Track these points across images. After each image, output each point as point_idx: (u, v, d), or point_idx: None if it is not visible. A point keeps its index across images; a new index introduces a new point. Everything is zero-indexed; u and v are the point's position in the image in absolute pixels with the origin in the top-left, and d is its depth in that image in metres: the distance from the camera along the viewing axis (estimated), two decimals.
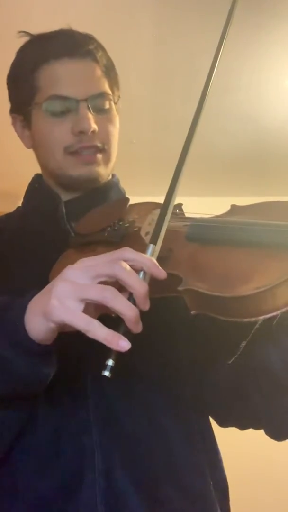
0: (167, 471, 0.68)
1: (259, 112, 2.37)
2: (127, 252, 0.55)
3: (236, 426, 0.77)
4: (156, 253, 0.59)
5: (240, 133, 2.57)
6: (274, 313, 0.52)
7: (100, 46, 0.88)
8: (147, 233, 0.69)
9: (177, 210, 0.76)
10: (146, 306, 0.54)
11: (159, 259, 0.58)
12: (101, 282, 0.54)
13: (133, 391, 0.70)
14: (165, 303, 0.61)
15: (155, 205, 0.76)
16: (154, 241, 0.59)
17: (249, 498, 2.66)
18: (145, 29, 1.83)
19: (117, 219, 0.77)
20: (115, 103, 0.87)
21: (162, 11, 1.74)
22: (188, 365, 0.75)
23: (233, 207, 0.74)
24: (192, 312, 0.56)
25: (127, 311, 0.52)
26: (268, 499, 2.96)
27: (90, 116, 0.80)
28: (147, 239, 0.67)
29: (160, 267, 0.55)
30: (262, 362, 0.64)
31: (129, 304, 0.53)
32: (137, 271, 0.55)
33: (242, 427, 0.77)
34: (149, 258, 0.55)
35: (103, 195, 0.87)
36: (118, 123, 0.88)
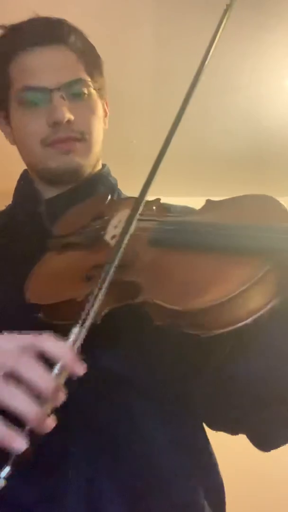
0: (152, 479, 0.65)
1: (259, 112, 2.37)
2: (44, 342, 0.49)
3: (224, 431, 0.72)
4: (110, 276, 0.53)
5: (240, 133, 2.57)
6: (235, 326, 0.49)
7: (73, 30, 0.83)
8: (113, 237, 0.65)
9: (154, 207, 0.72)
10: (54, 403, 0.48)
11: (122, 266, 0.55)
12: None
13: (116, 397, 0.66)
14: None
15: (131, 202, 0.70)
16: (110, 260, 0.53)
17: (247, 499, 2.66)
18: (145, 29, 1.83)
19: (92, 219, 0.73)
20: (97, 89, 0.83)
21: (162, 11, 1.74)
22: (174, 369, 0.69)
23: (208, 202, 0.69)
24: (155, 323, 0.53)
25: (25, 413, 0.45)
26: (267, 501, 2.96)
27: (64, 105, 0.76)
28: (113, 243, 0.63)
29: (79, 363, 0.49)
30: (233, 376, 0.60)
31: (27, 404, 0.46)
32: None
33: (231, 432, 0.72)
34: (68, 351, 0.49)
35: (89, 189, 0.82)
36: (101, 110, 0.84)
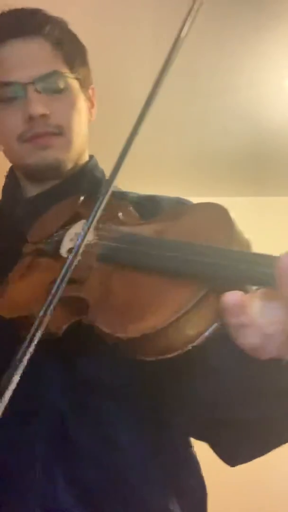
0: (119, 488, 0.62)
1: (259, 112, 2.37)
2: None
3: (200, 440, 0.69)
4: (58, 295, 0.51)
5: (240, 133, 2.57)
6: (173, 354, 0.47)
7: (49, 20, 0.80)
8: (69, 250, 0.62)
9: (120, 214, 0.67)
10: None
11: (76, 281, 0.54)
12: None
13: (88, 405, 0.64)
14: None
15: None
16: (60, 276, 0.51)
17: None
18: (145, 29, 1.83)
19: (61, 225, 0.68)
20: (79, 80, 0.80)
21: (162, 11, 1.74)
22: (148, 377, 0.64)
23: (172, 208, 0.67)
24: (108, 343, 0.51)
25: None
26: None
27: (39, 99, 0.73)
28: (68, 257, 0.59)
29: None
30: (196, 394, 0.59)
31: None
32: None
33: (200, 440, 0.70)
34: None
35: (70, 187, 0.78)
36: (82, 102, 0.81)
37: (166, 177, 3.13)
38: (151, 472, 0.64)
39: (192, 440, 0.74)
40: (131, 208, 0.69)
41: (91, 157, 0.86)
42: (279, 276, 0.39)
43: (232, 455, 0.64)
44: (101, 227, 0.61)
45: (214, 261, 0.48)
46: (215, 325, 0.47)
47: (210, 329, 0.47)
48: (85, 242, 0.54)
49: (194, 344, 0.47)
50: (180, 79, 2.12)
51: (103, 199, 0.55)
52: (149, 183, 3.20)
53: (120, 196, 0.78)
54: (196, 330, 0.47)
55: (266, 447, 0.61)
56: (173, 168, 2.99)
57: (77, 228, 0.65)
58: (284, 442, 0.60)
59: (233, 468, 0.68)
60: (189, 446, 0.72)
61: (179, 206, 0.70)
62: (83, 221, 0.64)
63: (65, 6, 1.70)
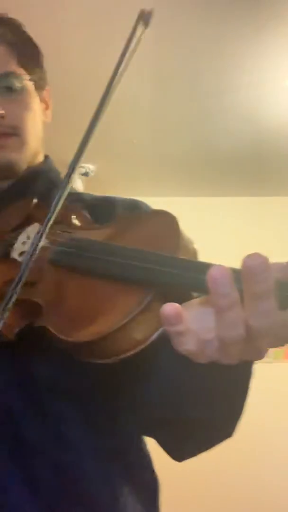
0: (71, 485, 0.63)
1: (259, 112, 2.37)
2: None
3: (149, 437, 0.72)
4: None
5: (240, 133, 2.57)
6: (121, 357, 0.49)
7: (3, 22, 0.81)
8: (21, 253, 0.63)
9: (73, 216, 0.69)
10: None
11: (28, 284, 0.54)
12: None
13: (41, 403, 0.65)
14: None
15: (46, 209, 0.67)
16: (14, 280, 0.52)
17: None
18: (145, 29, 1.83)
19: (12, 227, 0.69)
20: (34, 81, 0.81)
21: (162, 11, 1.74)
22: (101, 376, 0.65)
23: (123, 214, 0.70)
24: (59, 345, 0.53)
25: None
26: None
27: None
28: (21, 259, 0.61)
29: None
30: (142, 395, 0.62)
31: None
32: None
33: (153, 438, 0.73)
34: None
35: (25, 188, 0.79)
36: (37, 103, 0.82)
37: (166, 177, 3.13)
38: (104, 469, 0.66)
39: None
40: (84, 211, 0.70)
41: (46, 158, 0.87)
42: (209, 284, 0.41)
43: (179, 451, 0.67)
44: (52, 231, 0.61)
45: (160, 268, 0.49)
46: (161, 329, 0.49)
47: (157, 333, 0.50)
48: (39, 248, 0.55)
49: (142, 347, 0.49)
50: (180, 79, 2.12)
51: (58, 202, 0.56)
52: (148, 183, 3.21)
53: (75, 198, 0.78)
54: (144, 334, 0.49)
55: (209, 444, 0.64)
56: (173, 168, 2.99)
57: (30, 231, 0.65)
58: (225, 438, 0.63)
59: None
60: (141, 442, 0.74)
61: (132, 212, 0.71)
62: (36, 224, 0.65)
63: (65, 7, 1.70)
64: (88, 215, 0.70)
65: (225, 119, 2.43)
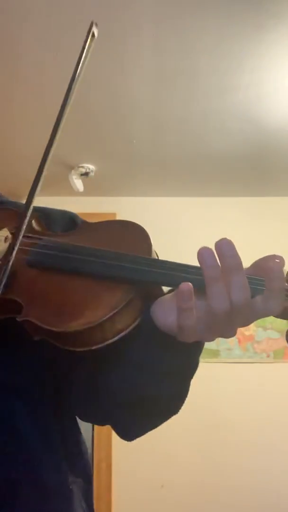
0: (25, 472, 0.70)
1: (259, 112, 2.37)
2: None
3: (95, 424, 0.83)
4: None
5: (240, 133, 2.57)
6: (104, 344, 0.57)
7: None
8: None
9: (33, 223, 0.74)
10: None
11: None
12: None
13: None
14: None
15: (9, 215, 0.73)
16: None
17: None
18: (145, 29, 1.83)
19: None
20: None
21: (162, 11, 1.74)
22: (48, 370, 0.75)
23: (83, 223, 0.76)
24: (35, 338, 0.60)
25: None
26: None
27: None
28: None
29: None
30: (104, 381, 0.69)
31: None
32: None
33: (99, 424, 0.81)
34: None
35: None
36: None
37: (166, 177, 3.13)
38: (52, 458, 0.74)
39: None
40: (38, 217, 0.76)
41: None
42: (199, 260, 0.55)
43: (130, 431, 0.75)
44: (27, 230, 0.68)
45: (141, 268, 0.59)
46: (138, 320, 0.60)
47: (134, 324, 0.59)
48: (4, 248, 0.62)
49: (122, 335, 0.58)
50: (180, 79, 2.12)
51: (28, 207, 0.63)
52: (148, 183, 3.21)
53: (19, 205, 0.82)
54: (125, 324, 0.58)
55: (158, 421, 0.73)
56: (173, 168, 2.99)
57: (2, 235, 0.70)
58: (172, 415, 0.71)
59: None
60: (80, 433, 0.83)
61: (89, 222, 0.77)
62: (4, 230, 0.70)
63: (65, 7, 1.70)
64: (42, 221, 0.76)
65: (225, 119, 2.43)
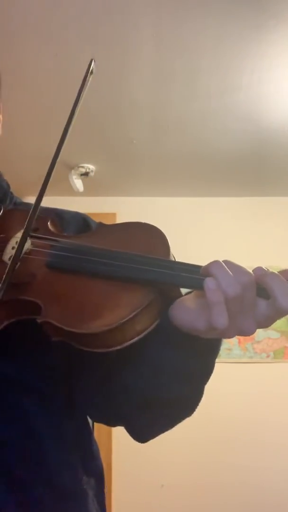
0: (40, 472, 0.70)
1: (259, 112, 2.37)
2: None
3: (106, 425, 0.81)
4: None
5: (240, 133, 2.57)
6: (123, 345, 0.57)
7: None
8: (10, 257, 0.68)
9: (48, 223, 0.74)
10: None
11: (20, 284, 0.61)
12: None
13: (4, 397, 0.71)
14: None
15: (24, 217, 0.74)
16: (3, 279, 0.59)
17: None
18: (145, 29, 1.83)
19: None
20: None
21: (162, 11, 1.74)
22: (61, 371, 0.75)
23: (100, 225, 0.76)
24: (53, 339, 0.60)
25: None
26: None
27: None
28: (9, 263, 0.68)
29: None
30: (120, 382, 0.69)
31: None
32: None
33: (110, 425, 0.81)
34: None
35: None
36: None
37: (166, 177, 3.13)
38: (65, 458, 0.74)
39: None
40: (54, 218, 0.76)
41: None
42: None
43: (144, 433, 0.76)
44: (42, 232, 0.70)
45: (162, 270, 0.60)
46: (157, 321, 0.60)
47: (153, 325, 0.59)
48: (24, 250, 0.63)
49: (141, 337, 0.58)
50: (180, 79, 2.12)
51: (36, 209, 0.63)
52: (148, 183, 3.21)
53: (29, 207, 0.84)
54: (144, 325, 0.59)
55: (173, 423, 0.73)
56: (173, 168, 2.99)
57: (19, 237, 0.71)
58: (186, 417, 0.71)
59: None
60: (92, 433, 0.83)
61: (106, 224, 0.76)
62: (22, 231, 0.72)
63: (66, 7, 1.70)
64: (58, 222, 0.77)
65: (225, 119, 2.43)
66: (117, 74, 2.07)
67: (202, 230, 3.24)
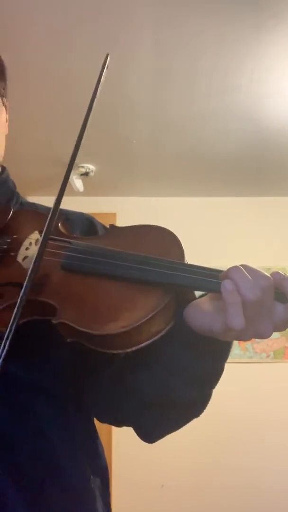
0: (50, 472, 0.71)
1: (259, 112, 2.37)
2: None
3: (112, 425, 0.81)
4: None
5: (240, 133, 2.57)
6: (139, 347, 0.58)
7: None
8: (25, 258, 0.69)
9: (59, 225, 0.74)
10: None
11: (35, 285, 0.60)
12: None
13: (14, 397, 0.71)
14: None
15: (38, 218, 0.74)
16: (27, 282, 0.58)
17: None
18: (145, 30, 1.83)
19: None
20: (3, 95, 0.85)
21: (162, 11, 1.74)
22: (70, 371, 0.75)
23: (112, 227, 0.75)
24: (67, 340, 0.60)
25: None
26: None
27: None
28: (25, 264, 0.68)
29: None
30: (132, 382, 0.69)
31: None
32: None
33: (117, 425, 0.81)
34: None
35: None
36: (4, 115, 0.87)
37: (166, 177, 3.13)
38: (73, 456, 0.75)
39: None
40: (64, 220, 0.76)
41: (3, 168, 0.90)
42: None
43: (153, 433, 0.76)
44: (54, 234, 0.69)
45: (177, 273, 0.60)
46: (172, 323, 0.60)
47: (168, 327, 0.60)
48: (43, 252, 0.62)
49: (156, 338, 0.58)
50: (180, 79, 2.12)
51: (55, 211, 0.63)
52: (148, 183, 3.21)
53: (44, 209, 0.83)
54: (159, 327, 0.59)
55: (181, 423, 0.73)
56: (173, 168, 2.99)
57: (33, 238, 0.71)
58: (193, 418, 0.72)
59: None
60: (97, 433, 0.83)
61: (118, 226, 0.76)
62: (36, 233, 0.72)
63: (66, 7, 1.70)
64: (66, 223, 0.76)
65: (225, 119, 2.43)
66: (117, 74, 2.07)
67: (202, 230, 3.24)
